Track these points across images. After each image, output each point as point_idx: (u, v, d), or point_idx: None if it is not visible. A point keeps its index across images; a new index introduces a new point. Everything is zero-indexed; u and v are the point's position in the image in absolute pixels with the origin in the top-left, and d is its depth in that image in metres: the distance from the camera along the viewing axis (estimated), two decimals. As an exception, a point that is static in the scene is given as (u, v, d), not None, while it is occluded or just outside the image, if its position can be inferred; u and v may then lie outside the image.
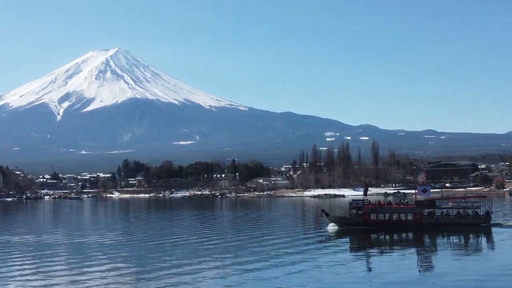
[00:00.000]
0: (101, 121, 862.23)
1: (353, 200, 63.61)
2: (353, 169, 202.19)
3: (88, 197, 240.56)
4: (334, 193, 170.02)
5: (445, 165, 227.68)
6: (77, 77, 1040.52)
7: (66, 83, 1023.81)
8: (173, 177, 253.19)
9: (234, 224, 75.07)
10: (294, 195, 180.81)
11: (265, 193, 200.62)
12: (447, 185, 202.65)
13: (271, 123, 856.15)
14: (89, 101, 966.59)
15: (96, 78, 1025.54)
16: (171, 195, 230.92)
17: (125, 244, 51.10)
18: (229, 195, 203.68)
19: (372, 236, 54.70)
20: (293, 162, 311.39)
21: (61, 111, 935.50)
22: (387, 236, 54.01)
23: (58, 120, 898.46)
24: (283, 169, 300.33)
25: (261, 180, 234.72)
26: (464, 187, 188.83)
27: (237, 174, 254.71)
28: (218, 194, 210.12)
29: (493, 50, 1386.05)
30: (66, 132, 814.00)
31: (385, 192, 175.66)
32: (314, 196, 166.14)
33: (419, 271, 35.82)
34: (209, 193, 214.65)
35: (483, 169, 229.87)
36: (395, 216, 58.32)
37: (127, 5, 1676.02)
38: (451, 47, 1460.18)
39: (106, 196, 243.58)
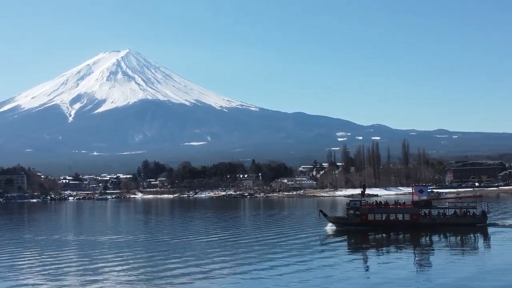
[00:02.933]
0: (113, 122, 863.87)
1: (350, 200, 64.44)
2: (383, 169, 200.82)
3: (112, 198, 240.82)
4: (368, 192, 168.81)
5: (472, 164, 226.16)
6: (88, 79, 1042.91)
7: (78, 84, 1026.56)
8: (196, 177, 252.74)
9: (260, 224, 76.29)
10: (326, 195, 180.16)
11: (295, 193, 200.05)
12: (476, 184, 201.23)
13: (282, 124, 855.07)
14: (101, 102, 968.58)
15: (107, 80, 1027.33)
16: (195, 196, 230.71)
17: (186, 243, 52.42)
18: (258, 196, 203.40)
19: (369, 236, 55.26)
20: (314, 162, 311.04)
21: (72, 113, 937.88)
22: (385, 236, 54.81)
23: (69, 121, 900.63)
24: (301, 169, 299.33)
25: (285, 180, 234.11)
26: (496, 186, 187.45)
27: (259, 174, 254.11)
28: (246, 194, 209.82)
29: (504, 49, 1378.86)
30: (78, 134, 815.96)
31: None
32: (348, 196, 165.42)
33: (416, 271, 36.15)
34: (238, 193, 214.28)
35: (508, 168, 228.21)
36: (392, 216, 59.01)
37: (137, 6, 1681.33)
38: (462, 46, 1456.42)
39: (129, 197, 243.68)
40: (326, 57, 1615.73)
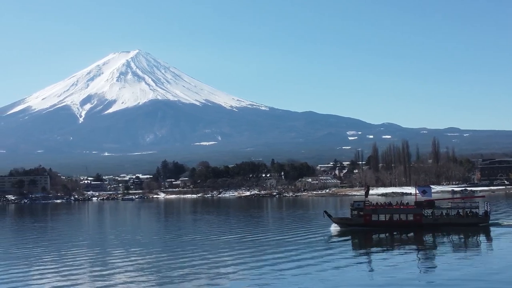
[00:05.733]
0: (123, 123, 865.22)
1: (354, 201, 65.20)
2: (413, 167, 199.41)
3: (135, 198, 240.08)
4: (401, 191, 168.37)
5: (500, 162, 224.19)
6: (98, 79, 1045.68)
7: (88, 85, 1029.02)
8: (219, 177, 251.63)
9: (282, 223, 78.05)
10: (358, 194, 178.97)
11: (324, 192, 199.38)
12: (506, 182, 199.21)
13: (293, 123, 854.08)
14: (111, 103, 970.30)
15: (117, 80, 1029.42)
16: (219, 196, 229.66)
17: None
18: (287, 195, 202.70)
19: (373, 236, 55.94)
20: (335, 160, 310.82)
21: (83, 113, 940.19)
22: (388, 236, 55.46)
23: (80, 122, 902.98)
24: (318, 168, 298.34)
25: (309, 180, 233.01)
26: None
27: (282, 173, 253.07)
28: (275, 193, 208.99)
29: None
30: (89, 134, 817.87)
31: (452, 189, 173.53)
32: (382, 195, 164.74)
33: (419, 270, 36.55)
34: (266, 193, 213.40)
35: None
36: (395, 217, 59.80)
37: (147, 7, 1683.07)
38: (471, 44, 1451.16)
39: (152, 197, 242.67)
40: (335, 56, 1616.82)
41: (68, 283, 34.33)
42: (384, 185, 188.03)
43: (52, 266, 41.11)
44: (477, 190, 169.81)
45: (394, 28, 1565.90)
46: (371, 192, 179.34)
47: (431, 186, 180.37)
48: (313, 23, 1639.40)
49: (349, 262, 39.30)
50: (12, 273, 38.37)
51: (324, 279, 32.75)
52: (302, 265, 37.65)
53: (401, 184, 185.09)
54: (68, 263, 42.39)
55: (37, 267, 40.93)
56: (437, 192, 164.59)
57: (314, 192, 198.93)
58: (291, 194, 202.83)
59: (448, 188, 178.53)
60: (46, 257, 46.89)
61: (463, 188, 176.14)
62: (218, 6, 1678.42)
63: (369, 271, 36.68)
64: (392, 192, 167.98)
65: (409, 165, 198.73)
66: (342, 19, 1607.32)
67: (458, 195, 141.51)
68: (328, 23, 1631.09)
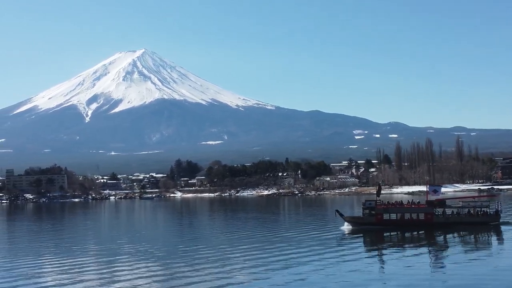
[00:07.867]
0: (130, 122, 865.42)
1: (366, 200, 65.68)
2: (437, 166, 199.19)
3: (153, 197, 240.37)
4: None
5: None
6: (104, 79, 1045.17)
7: (94, 85, 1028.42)
8: (237, 176, 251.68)
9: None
10: (383, 192, 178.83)
11: (345, 190, 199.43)
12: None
13: (299, 122, 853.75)
14: (117, 102, 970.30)
15: (123, 80, 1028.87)
16: (237, 194, 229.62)
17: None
18: (309, 193, 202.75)
19: (384, 235, 56.51)
20: (349, 159, 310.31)
21: (89, 113, 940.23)
22: (400, 235, 56.10)
23: (86, 121, 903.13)
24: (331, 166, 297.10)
25: (328, 178, 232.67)
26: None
27: (299, 172, 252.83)
28: (297, 192, 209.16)
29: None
30: (95, 134, 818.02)
31: (479, 188, 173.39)
32: (408, 193, 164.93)
33: (431, 269, 36.86)
34: (288, 191, 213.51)
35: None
36: (407, 216, 60.30)
37: (153, 6, 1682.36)
38: (477, 43, 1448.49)
39: (169, 196, 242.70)
40: (341, 56, 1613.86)
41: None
42: (408, 184, 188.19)
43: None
44: (504, 189, 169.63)
45: (400, 27, 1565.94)
46: (396, 190, 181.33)
47: (456, 184, 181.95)
48: (319, 22, 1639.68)
49: (360, 261, 39.77)
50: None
51: (334, 278, 32.96)
52: (313, 263, 38.15)
53: (424, 183, 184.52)
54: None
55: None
56: (462, 191, 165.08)
57: (337, 191, 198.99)
58: (313, 193, 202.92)
59: (474, 186, 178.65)
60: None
61: (490, 187, 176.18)
62: (224, 5, 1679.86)
63: (380, 270, 36.96)
64: (419, 190, 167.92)
65: (433, 164, 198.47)
66: (348, 18, 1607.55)
67: (485, 193, 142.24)
68: (334, 22, 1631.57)
